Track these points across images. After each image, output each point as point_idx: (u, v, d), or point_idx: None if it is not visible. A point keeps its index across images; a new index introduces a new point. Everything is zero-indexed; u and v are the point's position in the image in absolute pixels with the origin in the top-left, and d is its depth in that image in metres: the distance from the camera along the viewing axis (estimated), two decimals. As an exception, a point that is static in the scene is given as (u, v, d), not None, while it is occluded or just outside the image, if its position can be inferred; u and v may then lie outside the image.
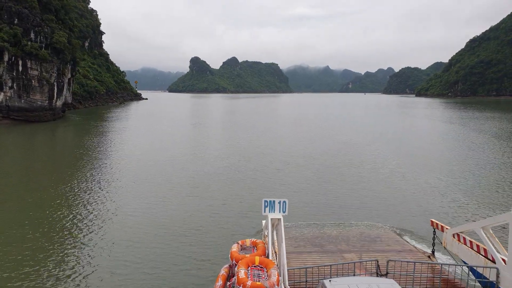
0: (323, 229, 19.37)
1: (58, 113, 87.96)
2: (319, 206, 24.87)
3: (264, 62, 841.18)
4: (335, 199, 26.37)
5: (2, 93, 73.44)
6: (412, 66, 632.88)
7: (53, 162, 41.34)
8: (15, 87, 75.61)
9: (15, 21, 78.35)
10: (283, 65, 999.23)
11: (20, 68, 76.46)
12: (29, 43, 78.64)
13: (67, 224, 21.01)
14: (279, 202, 10.97)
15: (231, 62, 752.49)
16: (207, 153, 45.58)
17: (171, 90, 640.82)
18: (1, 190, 28.14)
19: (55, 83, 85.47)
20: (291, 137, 60.52)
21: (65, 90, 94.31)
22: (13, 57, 74.83)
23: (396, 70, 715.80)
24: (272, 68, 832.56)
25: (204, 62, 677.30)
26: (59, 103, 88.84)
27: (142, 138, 59.19)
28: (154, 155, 43.70)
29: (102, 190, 28.29)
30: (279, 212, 10.96)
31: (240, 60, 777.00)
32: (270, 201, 10.97)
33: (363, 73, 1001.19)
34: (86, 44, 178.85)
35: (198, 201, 25.74)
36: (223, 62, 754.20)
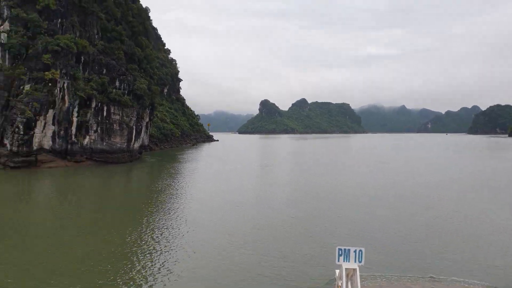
0: (406, 282, 16.93)
1: (135, 154, 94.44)
2: (401, 256, 22.07)
3: (334, 103, 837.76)
4: (421, 249, 23.26)
5: (88, 137, 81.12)
6: (503, 104, 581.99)
7: (126, 202, 43.35)
8: (99, 130, 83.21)
9: (104, 72, 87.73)
10: (355, 105, 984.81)
11: (105, 113, 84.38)
12: (114, 90, 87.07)
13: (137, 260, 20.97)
14: (355, 251, 10.54)
15: (300, 103, 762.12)
16: (275, 194, 44.49)
17: (241, 131, 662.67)
18: (92, 222, 29.69)
19: (134, 127, 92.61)
20: (366, 178, 57.11)
21: (142, 133, 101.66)
22: (99, 104, 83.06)
23: (482, 108, 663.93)
24: (343, 108, 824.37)
25: (273, 104, 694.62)
26: (136, 145, 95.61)
27: (211, 180, 60.28)
28: (222, 196, 43.75)
29: (167, 232, 28.39)
30: (355, 261, 10.53)
31: (309, 101, 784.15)
32: (345, 249, 10.59)
33: (443, 112, 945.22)
34: (165, 90, 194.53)
35: (266, 245, 24.46)
36: (292, 104, 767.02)
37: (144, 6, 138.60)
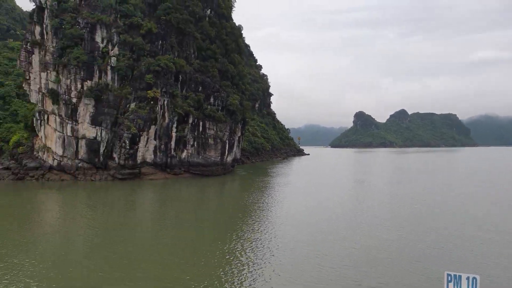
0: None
1: (228, 168, 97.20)
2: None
3: (438, 113, 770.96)
4: None
5: (185, 151, 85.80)
6: None
7: (218, 213, 43.74)
8: (195, 145, 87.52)
9: (200, 89, 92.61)
10: (463, 116, 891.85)
11: (200, 129, 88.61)
12: (208, 106, 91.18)
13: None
14: (468, 278, 9.42)
15: (399, 115, 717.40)
16: (372, 212, 40.66)
17: (333, 145, 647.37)
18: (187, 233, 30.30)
19: (227, 141, 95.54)
20: (484, 198, 49.39)
21: (235, 147, 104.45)
22: (196, 119, 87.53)
23: None
24: (449, 119, 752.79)
25: (369, 116, 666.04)
26: (229, 158, 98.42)
27: (302, 195, 58.33)
28: (312, 213, 41.46)
29: (254, 247, 27.20)
30: None
31: (409, 113, 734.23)
32: (455, 275, 9.60)
33: None
34: (257, 105, 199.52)
35: (362, 271, 21.62)
36: (390, 115, 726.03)
37: (237, 25, 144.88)
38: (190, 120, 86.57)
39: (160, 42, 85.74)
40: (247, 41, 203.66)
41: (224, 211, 46.58)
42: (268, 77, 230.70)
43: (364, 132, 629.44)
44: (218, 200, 57.96)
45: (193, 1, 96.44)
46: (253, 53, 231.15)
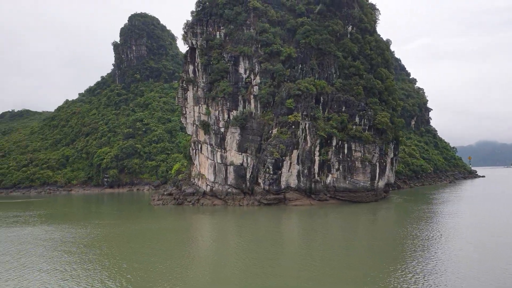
0: None
1: (380, 193, 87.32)
2: None
3: None
4: None
5: (330, 175, 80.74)
6: None
7: (369, 246, 37.25)
8: (341, 169, 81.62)
9: (343, 109, 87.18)
10: None
11: (345, 151, 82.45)
12: (353, 127, 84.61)
13: None
14: None
15: None
16: None
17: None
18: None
19: (377, 164, 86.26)
20: None
21: (387, 170, 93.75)
22: (340, 141, 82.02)
23: None
24: None
25: None
26: (381, 183, 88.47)
27: (476, 229, 46.07)
28: (490, 255, 31.01)
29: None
30: None
31: None
32: None
33: None
34: (413, 122, 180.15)
35: None
36: None
37: (385, 39, 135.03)
38: (334, 143, 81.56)
39: (300, 65, 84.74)
40: (397, 55, 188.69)
41: (376, 246, 39.58)
42: (424, 91, 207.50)
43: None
44: (369, 233, 50.67)
45: (333, 20, 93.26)
46: (405, 66, 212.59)
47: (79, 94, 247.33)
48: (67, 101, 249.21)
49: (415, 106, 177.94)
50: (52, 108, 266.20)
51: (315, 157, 79.78)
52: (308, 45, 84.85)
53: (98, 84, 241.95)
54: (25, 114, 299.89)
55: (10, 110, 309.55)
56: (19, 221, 63.08)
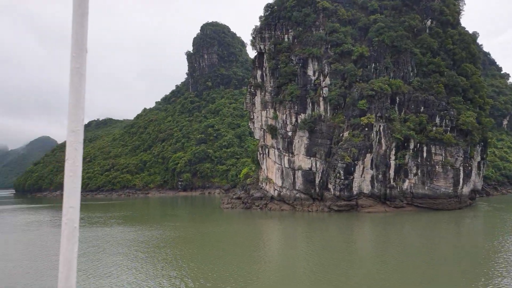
0: None
1: (464, 200, 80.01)
2: None
3: None
4: None
5: (407, 180, 76.01)
6: None
7: (458, 259, 34.19)
8: (419, 173, 76.47)
9: (421, 109, 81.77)
10: None
11: (424, 154, 77.13)
12: (433, 128, 78.88)
13: None
14: None
15: None
16: None
17: None
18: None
19: (461, 168, 79.26)
20: None
21: (473, 175, 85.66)
22: (418, 144, 76.94)
23: None
24: None
25: None
26: (465, 189, 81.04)
27: None
28: None
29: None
30: None
31: None
32: None
33: None
34: (505, 122, 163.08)
35: None
36: None
37: (471, 32, 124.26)
38: (411, 145, 76.74)
39: (373, 65, 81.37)
40: (485, 49, 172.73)
41: (464, 260, 36.16)
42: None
43: None
44: (453, 244, 46.54)
45: (409, 15, 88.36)
46: (495, 61, 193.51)
47: (156, 102, 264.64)
48: (145, 110, 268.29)
49: (507, 104, 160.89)
50: (131, 116, 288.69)
51: (391, 161, 75.74)
52: (382, 43, 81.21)
53: (173, 92, 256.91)
54: (108, 123, 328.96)
55: (96, 119, 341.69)
56: (99, 222, 68.77)
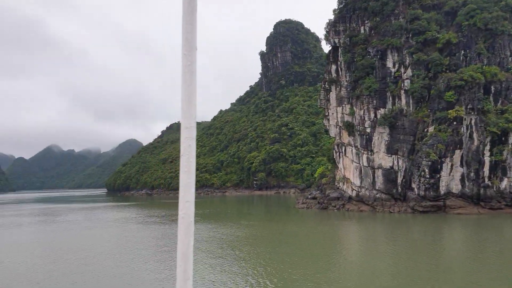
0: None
1: None
2: None
3: None
4: None
5: (506, 179, 68.30)
6: None
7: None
8: (520, 172, 68.29)
9: (522, 99, 73.00)
10: None
11: (527, 150, 68.63)
12: (538, 120, 69.86)
13: None
14: None
15: None
16: None
17: None
18: None
19: None
20: None
21: None
22: (519, 138, 68.76)
23: None
24: None
25: None
26: None
27: None
28: None
29: None
30: None
31: None
32: None
33: None
34: None
35: None
36: None
37: None
38: (510, 140, 68.81)
39: (462, 52, 74.58)
40: None
41: None
42: None
43: None
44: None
45: (507, -7, 79.51)
46: None
47: (231, 104, 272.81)
48: (221, 111, 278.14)
49: None
50: (209, 118, 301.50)
51: (485, 158, 68.69)
52: (473, 27, 74.07)
53: (247, 93, 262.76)
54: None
55: (176, 122, 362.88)
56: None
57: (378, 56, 76.17)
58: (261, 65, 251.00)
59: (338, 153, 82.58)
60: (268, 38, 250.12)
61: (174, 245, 43.31)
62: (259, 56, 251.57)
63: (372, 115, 75.07)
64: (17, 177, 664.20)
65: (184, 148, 2.80)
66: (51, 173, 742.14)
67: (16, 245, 48.21)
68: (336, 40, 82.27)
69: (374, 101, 74.70)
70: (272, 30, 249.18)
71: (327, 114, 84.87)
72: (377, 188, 74.00)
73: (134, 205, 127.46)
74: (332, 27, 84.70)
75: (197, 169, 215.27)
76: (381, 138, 73.97)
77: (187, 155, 2.80)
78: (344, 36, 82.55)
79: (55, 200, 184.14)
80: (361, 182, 76.02)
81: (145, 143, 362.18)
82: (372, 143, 74.69)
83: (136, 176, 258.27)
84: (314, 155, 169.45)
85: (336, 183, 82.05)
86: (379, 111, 74.44)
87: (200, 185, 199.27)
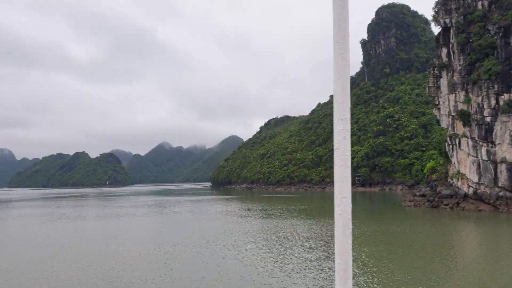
0: None
1: None
2: None
3: None
4: None
5: None
6: None
7: None
8: None
9: None
10: None
11: None
12: None
13: None
14: None
15: None
16: None
17: None
18: None
19: None
20: None
21: None
22: None
23: None
24: None
25: None
26: None
27: None
28: None
29: None
30: None
31: None
32: None
33: None
34: None
35: None
36: None
37: None
38: None
39: None
40: None
41: None
42: None
43: None
44: None
45: None
46: None
47: (330, 96, 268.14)
48: (319, 104, 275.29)
49: None
50: (306, 112, 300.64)
51: None
52: None
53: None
54: (285, 120, 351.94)
55: (274, 117, 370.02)
56: (275, 214, 73.79)
57: (500, 34, 67.37)
58: (363, 54, 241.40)
59: (451, 146, 75.38)
60: (369, 25, 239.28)
61: (248, 240, 44.48)
62: (359, 45, 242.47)
63: (493, 102, 66.81)
64: (134, 171, 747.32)
65: (339, 140, 2.76)
66: (163, 168, 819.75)
67: (146, 235, 54.57)
68: (447, 20, 74.89)
69: (496, 86, 66.36)
70: (374, 16, 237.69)
71: (437, 103, 77.95)
72: (500, 185, 65.88)
73: (237, 198, 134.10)
74: (442, 6, 77.38)
75: (295, 164, 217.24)
76: (504, 128, 65.57)
77: (342, 148, 2.74)
78: (457, 14, 74.80)
79: (167, 193, 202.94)
80: (479, 178, 68.42)
81: (245, 139, 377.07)
82: (494, 133, 66.58)
83: (237, 171, 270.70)
84: (424, 149, 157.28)
85: (448, 179, 75.07)
86: (502, 97, 65.92)
87: (298, 180, 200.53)
